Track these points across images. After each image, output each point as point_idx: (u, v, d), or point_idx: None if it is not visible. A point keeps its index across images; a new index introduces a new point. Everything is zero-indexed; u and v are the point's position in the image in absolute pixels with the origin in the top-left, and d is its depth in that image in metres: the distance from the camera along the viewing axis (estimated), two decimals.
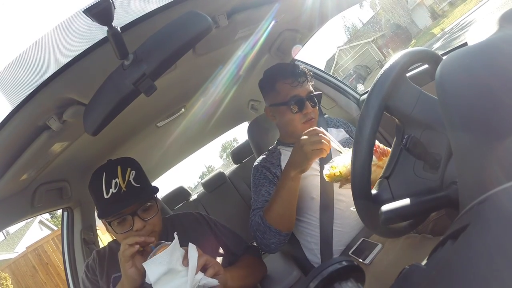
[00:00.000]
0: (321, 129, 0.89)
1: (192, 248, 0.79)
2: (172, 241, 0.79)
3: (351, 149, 0.79)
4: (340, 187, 0.82)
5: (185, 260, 0.76)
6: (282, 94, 1.10)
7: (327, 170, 0.81)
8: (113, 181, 0.86)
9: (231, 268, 0.94)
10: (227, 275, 0.84)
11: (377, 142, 0.81)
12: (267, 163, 1.13)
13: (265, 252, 1.06)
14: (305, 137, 0.88)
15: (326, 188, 1.05)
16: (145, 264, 0.73)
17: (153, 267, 0.72)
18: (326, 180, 0.82)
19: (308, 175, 1.06)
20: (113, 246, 0.99)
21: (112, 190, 0.86)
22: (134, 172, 0.90)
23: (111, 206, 0.85)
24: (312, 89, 1.12)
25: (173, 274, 0.73)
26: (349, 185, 0.78)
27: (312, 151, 0.86)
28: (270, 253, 1.03)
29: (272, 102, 1.14)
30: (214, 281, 0.77)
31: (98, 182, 0.88)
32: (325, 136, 0.87)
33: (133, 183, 0.88)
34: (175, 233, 0.79)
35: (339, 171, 0.78)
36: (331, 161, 0.83)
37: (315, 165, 1.07)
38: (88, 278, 0.94)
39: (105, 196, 0.86)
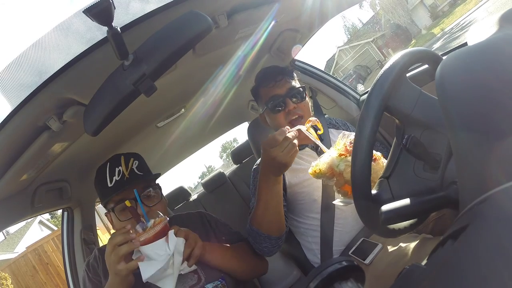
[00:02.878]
0: (285, 129, 0.79)
1: (179, 241, 0.78)
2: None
3: (331, 148, 0.80)
4: (323, 183, 0.83)
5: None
6: (264, 98, 1.10)
7: (311, 168, 0.82)
8: (117, 169, 0.89)
9: (215, 244, 0.95)
10: (209, 248, 0.87)
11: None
12: None
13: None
14: (271, 148, 0.78)
15: (327, 188, 1.05)
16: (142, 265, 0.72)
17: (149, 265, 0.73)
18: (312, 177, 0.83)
19: (309, 177, 1.05)
20: None
21: (116, 177, 0.88)
22: (137, 162, 0.93)
23: (114, 192, 0.87)
24: (293, 84, 1.09)
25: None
26: (331, 182, 0.79)
27: (290, 158, 0.78)
28: (266, 256, 1.01)
29: (261, 108, 1.15)
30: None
31: (102, 173, 0.90)
32: (293, 134, 0.79)
33: (136, 171, 0.91)
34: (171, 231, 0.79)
35: (319, 168, 0.79)
36: (320, 156, 0.83)
37: None
38: (89, 277, 0.93)
39: (109, 185, 0.88)
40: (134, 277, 0.79)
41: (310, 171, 0.81)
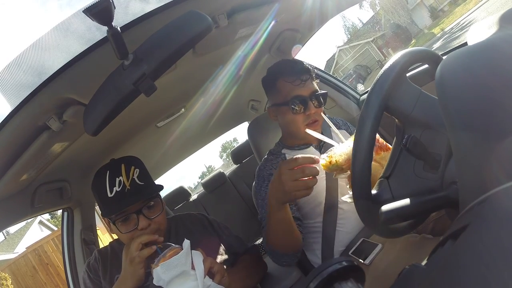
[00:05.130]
0: (310, 156, 0.70)
1: (197, 254, 0.79)
2: (176, 244, 0.79)
3: (349, 140, 0.77)
4: (334, 176, 0.79)
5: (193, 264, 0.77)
6: (284, 93, 1.03)
7: (323, 159, 0.77)
8: (117, 180, 0.86)
9: (233, 270, 0.94)
10: (230, 278, 0.84)
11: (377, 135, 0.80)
12: (273, 171, 1.05)
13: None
14: (286, 169, 0.69)
15: (331, 189, 1.04)
16: (161, 265, 0.73)
17: (168, 269, 0.73)
18: (323, 169, 0.77)
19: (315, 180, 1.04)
20: (115, 246, 0.99)
21: (116, 188, 0.85)
22: (138, 170, 0.90)
23: (115, 204, 0.85)
24: (316, 87, 1.05)
25: (185, 277, 0.74)
26: (343, 175, 0.76)
27: (296, 193, 0.69)
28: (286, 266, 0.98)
29: (274, 102, 1.09)
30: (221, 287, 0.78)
31: (101, 181, 0.87)
32: (311, 169, 0.69)
33: (137, 181, 0.88)
34: (185, 239, 0.79)
35: (335, 160, 0.75)
36: (329, 150, 0.79)
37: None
38: (90, 277, 0.93)
39: (109, 195, 0.85)
40: (146, 279, 0.80)
41: (322, 162, 0.76)
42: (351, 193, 0.75)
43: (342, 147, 0.76)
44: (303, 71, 1.03)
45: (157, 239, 0.81)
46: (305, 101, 1.01)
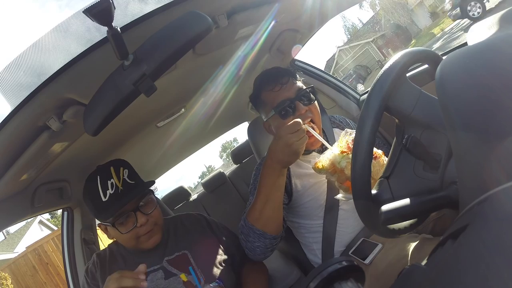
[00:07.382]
0: (300, 120, 0.82)
1: None
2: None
3: (334, 145, 0.83)
4: (326, 178, 0.85)
5: None
6: (269, 103, 1.00)
7: (313, 163, 0.85)
8: (109, 182, 0.87)
9: None
10: None
11: None
12: None
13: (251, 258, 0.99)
14: (290, 134, 0.79)
15: (332, 191, 1.03)
16: None
17: None
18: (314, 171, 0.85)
19: (316, 182, 1.04)
20: (114, 249, 0.99)
21: (110, 191, 0.86)
22: (127, 170, 0.92)
23: (112, 206, 0.85)
24: (301, 85, 1.01)
25: None
26: (332, 178, 0.82)
27: (302, 148, 0.80)
28: (255, 259, 0.94)
29: (265, 115, 1.05)
30: None
31: (93, 187, 0.87)
32: (306, 128, 0.84)
33: (128, 180, 0.90)
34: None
35: (322, 164, 0.82)
36: (323, 154, 0.85)
37: None
38: (88, 283, 0.93)
39: (104, 199, 0.85)
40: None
41: (312, 166, 0.83)
42: (342, 192, 0.82)
43: (327, 153, 0.84)
44: (280, 75, 1.00)
45: (141, 286, 0.70)
46: (292, 102, 0.97)
